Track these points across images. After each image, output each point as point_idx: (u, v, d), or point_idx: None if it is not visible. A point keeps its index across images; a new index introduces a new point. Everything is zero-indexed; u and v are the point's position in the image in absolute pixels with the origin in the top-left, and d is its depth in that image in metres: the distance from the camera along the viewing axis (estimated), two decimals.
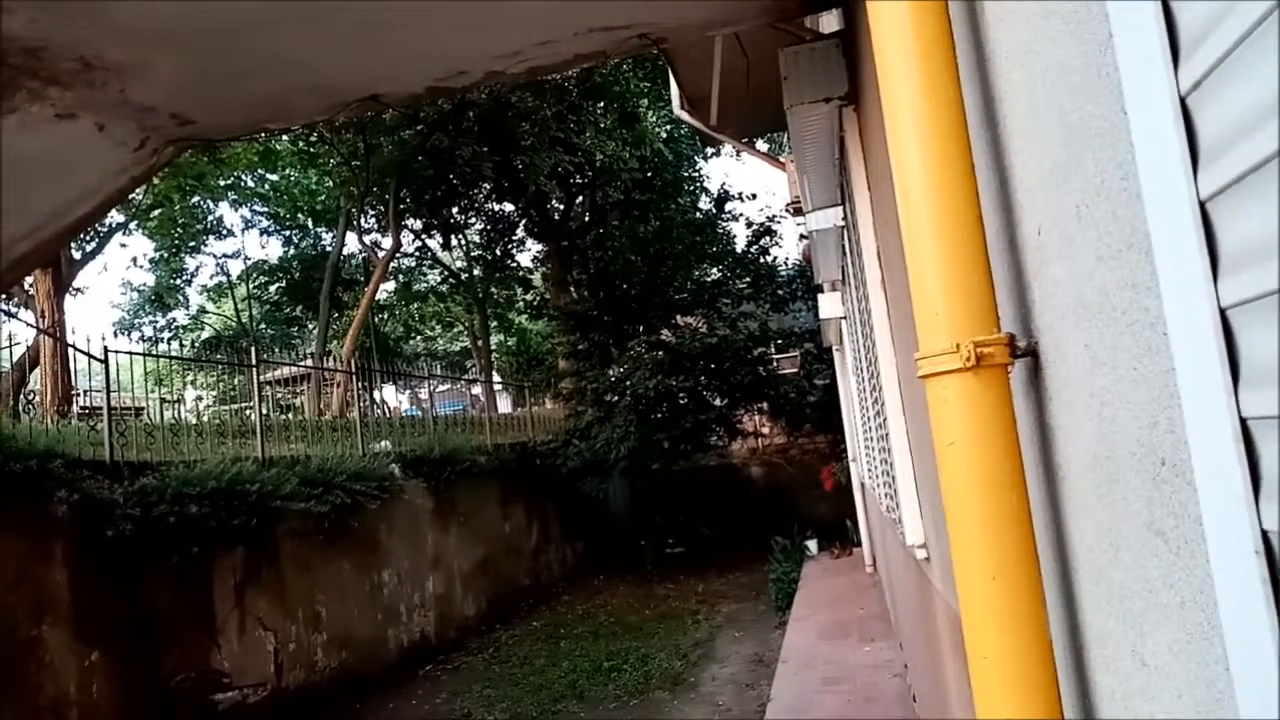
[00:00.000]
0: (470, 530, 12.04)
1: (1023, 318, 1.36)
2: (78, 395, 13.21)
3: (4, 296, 13.93)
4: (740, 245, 20.78)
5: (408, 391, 23.40)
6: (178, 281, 25.03)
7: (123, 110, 3.98)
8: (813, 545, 13.39)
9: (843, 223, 6.53)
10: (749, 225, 20.38)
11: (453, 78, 4.66)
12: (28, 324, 12.92)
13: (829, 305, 9.91)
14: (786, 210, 18.61)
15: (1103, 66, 0.92)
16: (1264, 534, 0.71)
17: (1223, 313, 0.74)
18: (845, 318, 8.98)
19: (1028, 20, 1.16)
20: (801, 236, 9.57)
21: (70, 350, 10.54)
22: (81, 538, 6.61)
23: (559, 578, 14.34)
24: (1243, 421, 0.73)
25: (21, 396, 13.27)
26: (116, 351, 8.47)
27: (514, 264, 24.51)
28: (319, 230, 24.57)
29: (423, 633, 10.42)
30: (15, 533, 6.26)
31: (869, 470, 8.40)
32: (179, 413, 13.52)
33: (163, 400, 14.10)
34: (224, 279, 25.91)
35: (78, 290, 20.35)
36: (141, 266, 24.08)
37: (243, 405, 13.20)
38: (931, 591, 3.67)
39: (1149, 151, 0.82)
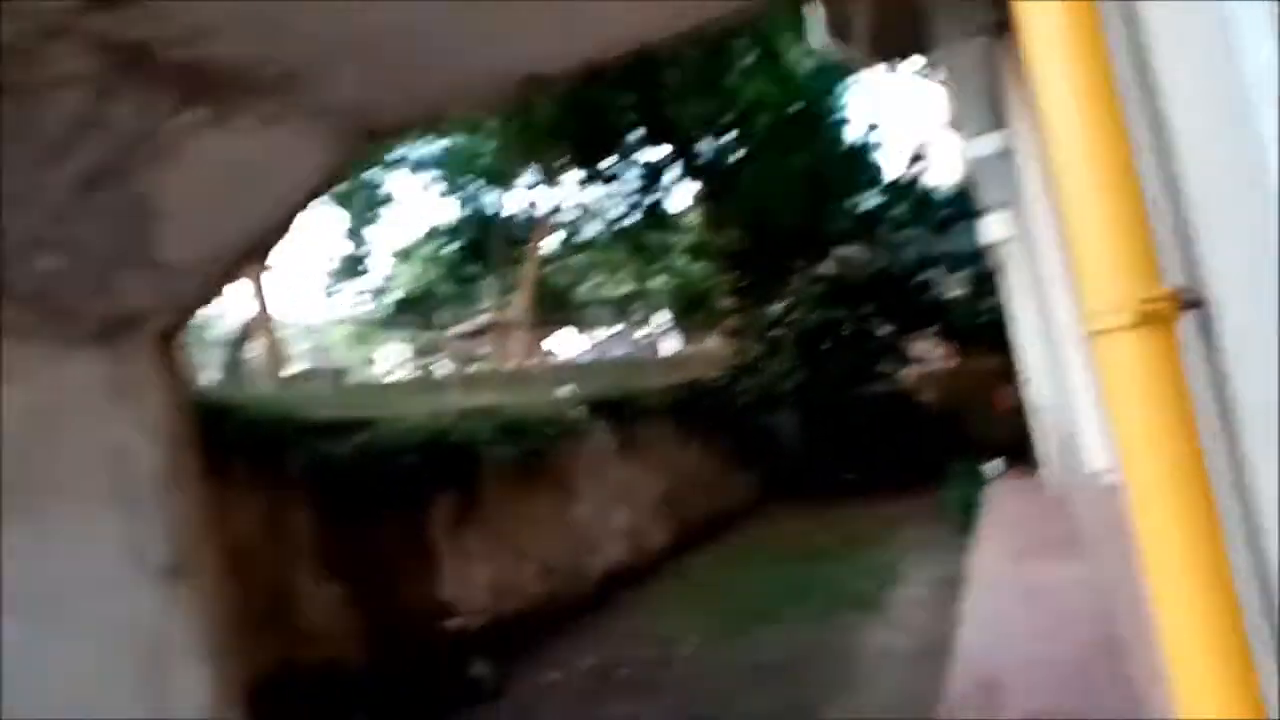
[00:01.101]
0: (651, 465, 12.61)
1: (1189, 270, 1.38)
2: (289, 361, 14.61)
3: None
4: (896, 170, 20.19)
5: (581, 337, 24.25)
6: (364, 250, 26.89)
7: (317, 113, 4.34)
8: (991, 468, 13.16)
9: (1003, 147, 6.39)
10: (904, 150, 19.70)
11: (608, 50, 4.87)
12: (244, 302, 14.35)
13: (994, 227, 9.63)
14: (943, 131, 17.93)
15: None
16: None
17: None
18: (1013, 239, 8.74)
19: None
20: (961, 162, 9.32)
21: (278, 322, 11.74)
22: (317, 489, 7.47)
23: (739, 507, 14.73)
24: None
25: (242, 367, 14.83)
26: (327, 322, 9.36)
27: (669, 208, 24.76)
28: (486, 191, 25.62)
29: (617, 561, 11.09)
30: (262, 488, 7.14)
31: (1045, 391, 8.24)
32: (377, 371, 14.73)
33: (364, 360, 15.33)
34: (405, 244, 27.57)
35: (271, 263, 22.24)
36: (332, 238, 26.03)
37: (431, 360, 14.18)
38: (1117, 515, 3.70)
39: None
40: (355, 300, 26.06)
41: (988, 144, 6.71)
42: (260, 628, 6.39)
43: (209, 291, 5.00)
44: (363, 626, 7.39)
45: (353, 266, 26.83)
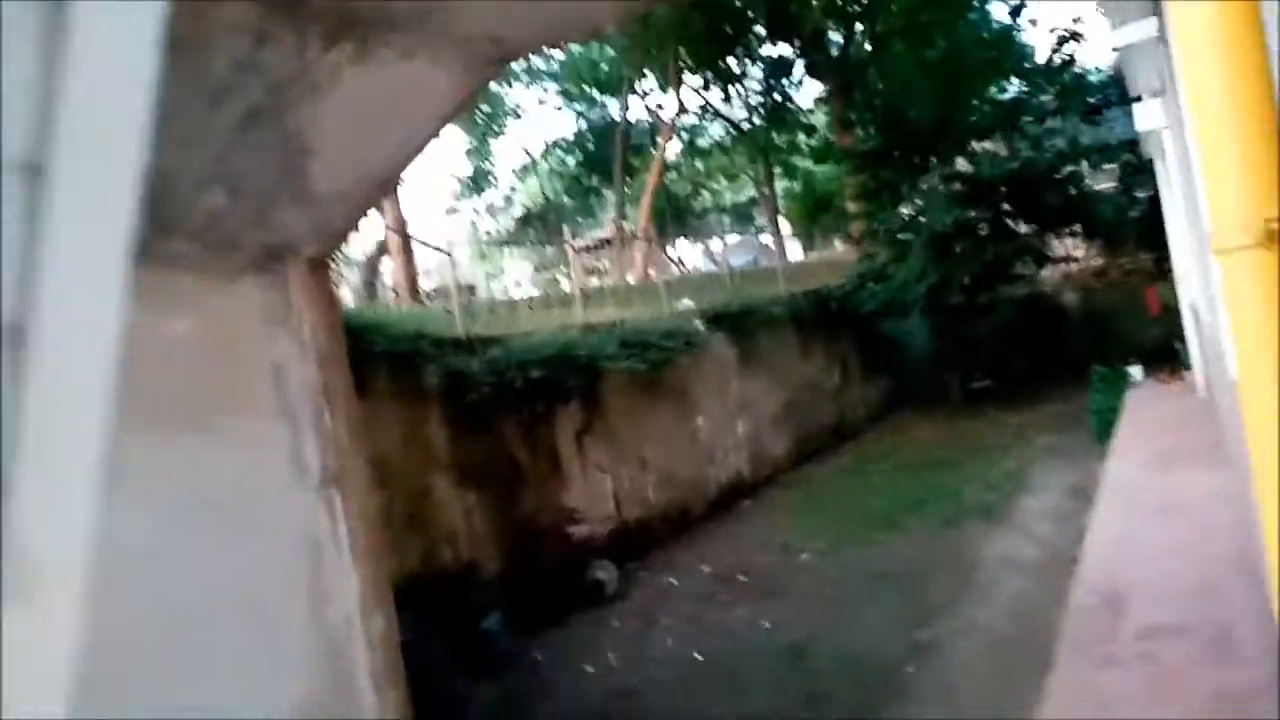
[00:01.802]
0: (773, 376, 12.64)
1: None
2: (421, 279, 15.20)
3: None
4: (1042, 55, 18.78)
5: (702, 246, 24.21)
6: (487, 166, 27.42)
7: (451, 42, 4.48)
8: (1137, 372, 12.53)
9: (1158, 34, 5.91)
10: (1050, 32, 18.30)
11: None
12: (378, 223, 14.93)
13: (1148, 116, 8.94)
14: (1095, 8, 16.51)
15: None
16: None
17: None
18: (1167, 128, 8.13)
19: None
20: (1113, 49, 8.65)
21: (414, 241, 12.21)
22: (450, 403, 7.87)
23: (863, 416, 14.65)
24: None
25: (378, 284, 15.54)
26: (455, 243, 9.69)
27: (794, 107, 24.03)
28: (606, 100, 25.52)
29: (737, 471, 11.29)
30: (401, 401, 7.59)
31: (1198, 292, 7.76)
32: (503, 286, 15.14)
33: (488, 276, 15.77)
34: (528, 158, 27.94)
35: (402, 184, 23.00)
36: (457, 156, 26.61)
37: (554, 274, 14.45)
38: None
39: None
40: (480, 217, 26.76)
41: (1141, 29, 6.23)
42: (404, 533, 6.91)
43: (354, 219, 5.28)
44: (496, 531, 7.86)
45: (477, 183, 27.42)
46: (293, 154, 4.24)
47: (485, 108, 24.64)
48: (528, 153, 27.83)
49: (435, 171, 31.45)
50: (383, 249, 16.00)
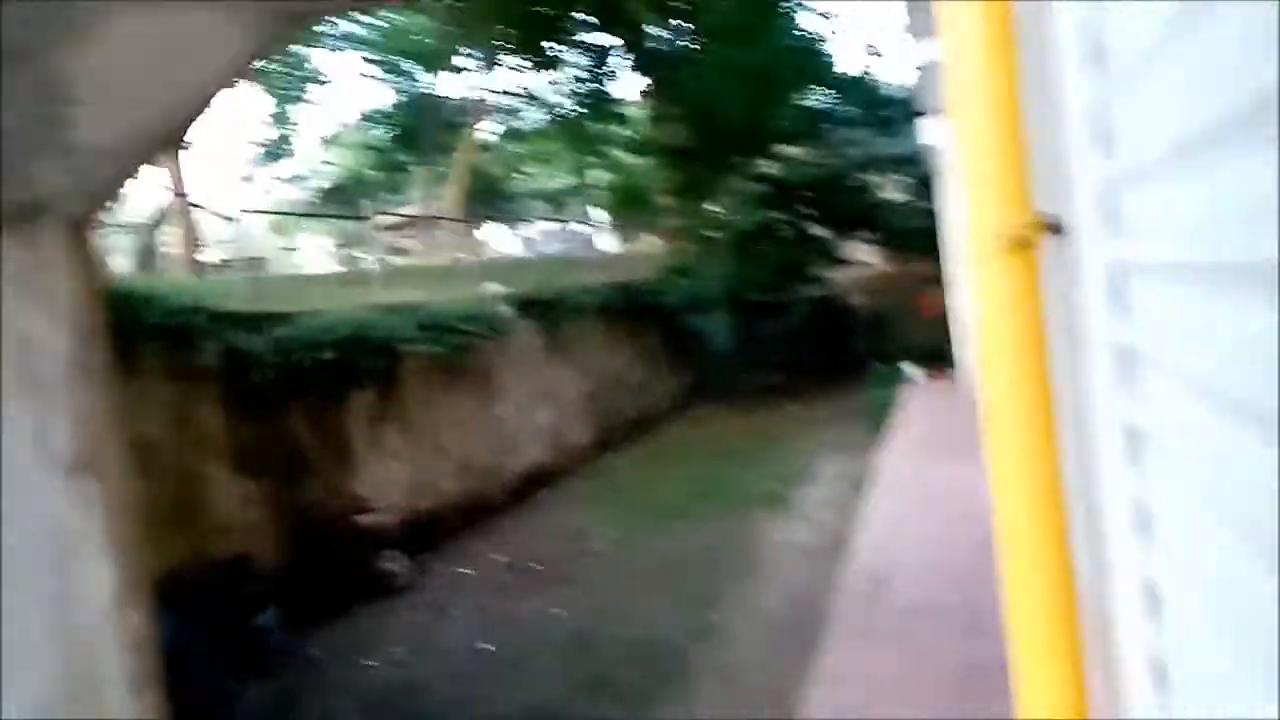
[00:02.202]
0: (578, 365, 12.68)
1: (1058, 195, 1.42)
2: (205, 250, 14.14)
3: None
4: (843, 67, 19.86)
5: (513, 232, 23.94)
6: (287, 133, 25.76)
7: None
8: (910, 370, 13.52)
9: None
10: (858, 47, 19.31)
11: None
12: (158, 187, 13.75)
13: (932, 131, 9.68)
14: (899, 30, 17.58)
15: None
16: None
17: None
18: (946, 147, 8.80)
19: None
20: (916, 67, 9.25)
21: (194, 209, 11.36)
22: (229, 384, 7.34)
23: (664, 408, 14.97)
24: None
25: (155, 255, 14.33)
26: (247, 211, 9.07)
27: (613, 98, 24.13)
28: (420, 73, 24.62)
29: (538, 461, 11.23)
30: (171, 379, 6.98)
31: (963, 298, 8.44)
32: (299, 261, 14.34)
33: (283, 250, 14.92)
34: (332, 129, 26.49)
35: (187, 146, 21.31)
36: (253, 120, 24.88)
37: (355, 251, 13.86)
38: None
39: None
40: (276, 187, 25.17)
41: (934, 48, 6.68)
42: (170, 522, 6.39)
43: (123, 177, 4.80)
44: (275, 521, 7.43)
45: (275, 151, 25.78)
46: (52, 101, 3.82)
47: (290, 71, 23.18)
48: (335, 122, 26.43)
49: (231, 136, 29.39)
50: (163, 215, 14.77)
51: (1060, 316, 1.47)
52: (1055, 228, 1.40)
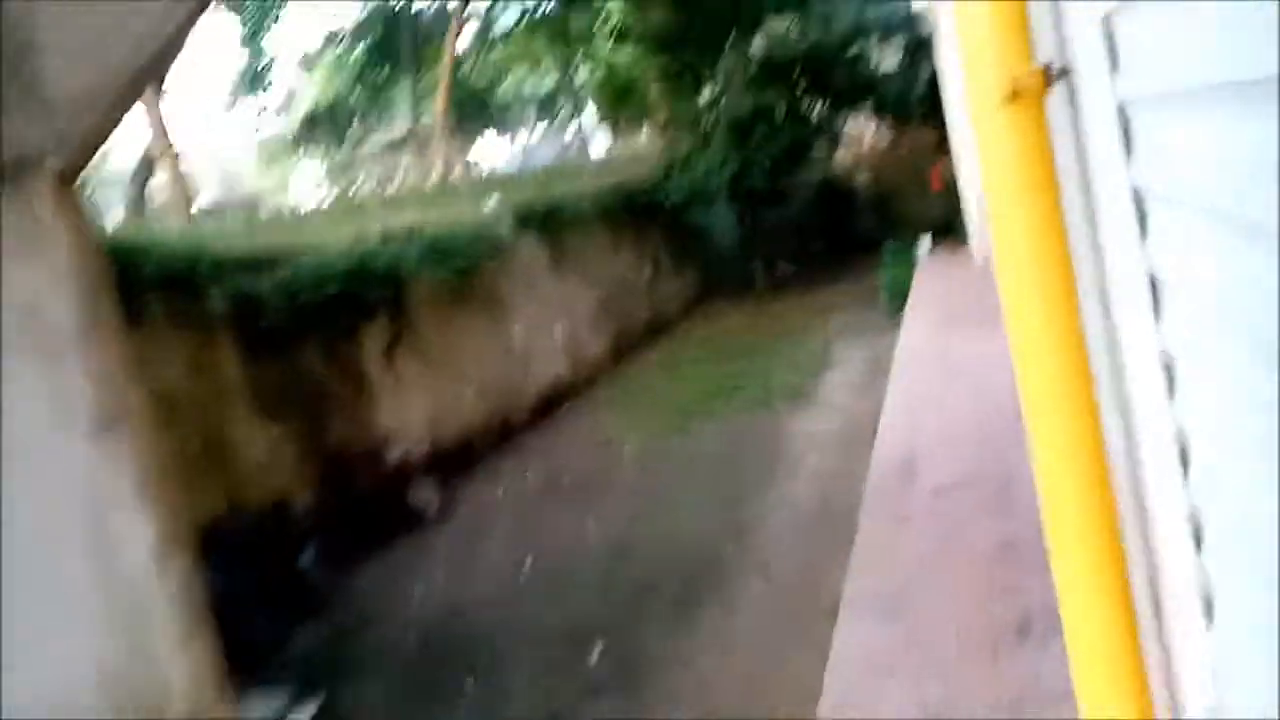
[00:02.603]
0: (585, 274, 12.56)
1: (1059, 42, 1.39)
2: (196, 194, 13.93)
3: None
4: None
5: (505, 142, 23.45)
6: (264, 61, 24.95)
7: None
8: (923, 246, 13.33)
9: None
10: None
11: None
12: (142, 133, 13.45)
13: None
14: None
15: None
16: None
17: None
18: (941, 5, 8.43)
19: None
20: None
21: (180, 151, 11.13)
22: (241, 329, 7.28)
23: (675, 308, 14.89)
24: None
25: (146, 204, 14.13)
26: (233, 149, 8.86)
27: None
28: None
29: (555, 375, 11.23)
30: (183, 330, 6.94)
31: (971, 166, 8.22)
32: (292, 197, 14.12)
33: (279, 186, 14.68)
34: (308, 50, 25.58)
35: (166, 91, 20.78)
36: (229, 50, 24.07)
37: (348, 178, 13.62)
38: None
39: None
40: (260, 119, 24.53)
41: None
42: (200, 473, 6.45)
43: (106, 127, 4.67)
44: (304, 462, 7.49)
45: (253, 81, 25.02)
46: (17, 53, 3.67)
47: None
48: (311, 43, 25.51)
49: (207, 70, 28.58)
50: (150, 162, 14.49)
51: (1071, 166, 1.42)
52: (1059, 73, 1.33)
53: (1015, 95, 1.27)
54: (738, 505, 6.58)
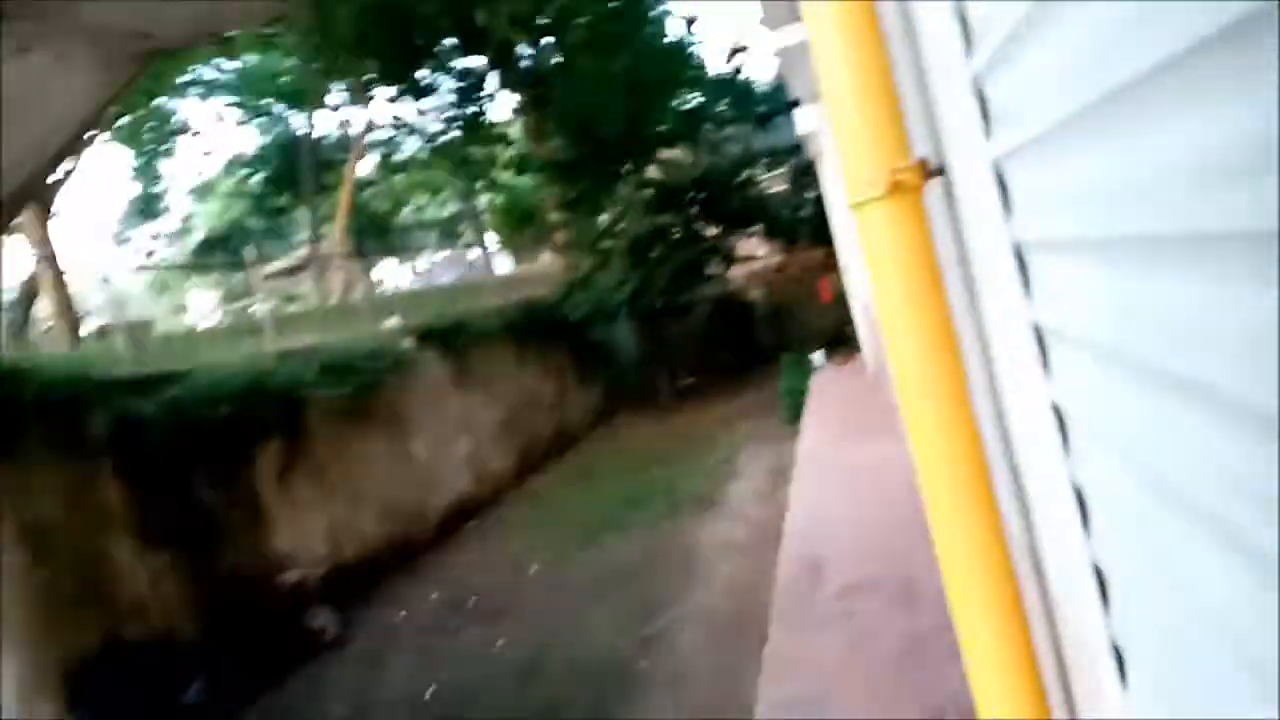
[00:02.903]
0: (490, 391, 12.50)
1: (934, 140, 1.50)
2: (83, 317, 13.40)
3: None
4: (716, 68, 20.25)
5: (407, 265, 23.54)
6: (158, 189, 24.75)
7: (79, 35, 3.97)
8: (817, 356, 13.79)
9: (806, 37, 6.47)
10: (722, 46, 19.73)
11: None
12: (28, 255, 12.97)
13: (808, 118, 9.87)
14: (760, 24, 18.00)
15: None
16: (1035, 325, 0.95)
17: (996, 163, 0.95)
18: (823, 130, 8.99)
19: None
20: (774, 55, 9.44)
21: (68, 275, 10.76)
22: (124, 453, 6.96)
23: (581, 424, 14.89)
24: (1015, 245, 0.96)
25: (30, 327, 13.52)
26: (123, 272, 8.64)
27: (490, 120, 23.96)
28: (291, 114, 23.97)
29: (460, 493, 11.02)
30: (62, 456, 6.60)
31: (858, 277, 8.63)
32: (185, 319, 13.74)
33: (171, 309, 14.29)
34: (204, 178, 25.53)
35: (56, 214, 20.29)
36: (121, 179, 23.86)
37: (247, 303, 13.38)
38: None
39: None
40: (153, 245, 24.11)
41: (796, 32, 6.77)
42: (78, 607, 6.02)
43: None
44: (192, 592, 7.06)
45: (147, 207, 24.70)
46: None
47: (154, 125, 22.29)
48: (206, 171, 25.48)
49: (101, 194, 27.98)
50: (35, 286, 13.94)
51: (951, 256, 1.50)
52: (936, 170, 1.40)
53: (893, 190, 1.32)
54: (648, 618, 6.47)
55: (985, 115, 0.98)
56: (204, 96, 23.01)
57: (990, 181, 0.97)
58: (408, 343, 10.77)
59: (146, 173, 24.02)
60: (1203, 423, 0.62)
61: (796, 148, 15.83)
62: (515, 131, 24.33)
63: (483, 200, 26.92)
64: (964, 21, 0.97)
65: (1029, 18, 0.79)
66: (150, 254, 24.24)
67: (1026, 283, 0.98)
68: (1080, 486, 0.99)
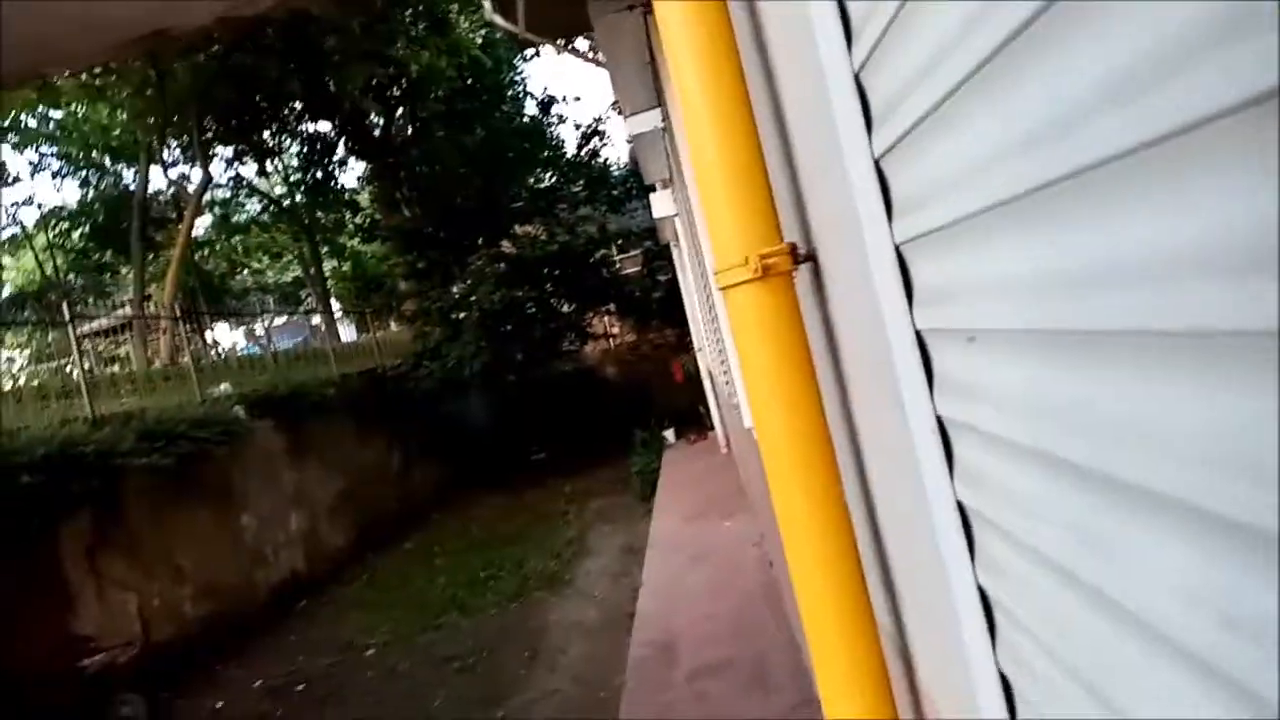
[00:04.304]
0: (328, 463, 11.89)
1: (803, 226, 1.52)
2: None
3: None
4: (571, 149, 20.67)
5: (243, 329, 22.44)
6: None
7: None
8: (670, 434, 13.96)
9: (663, 125, 6.67)
10: (577, 128, 20.23)
11: (243, 5, 4.44)
12: None
13: (661, 204, 10.13)
14: (613, 109, 18.62)
15: (811, 35, 1.08)
16: (938, 418, 0.94)
17: (898, 249, 0.95)
18: (677, 215, 9.23)
19: None
20: (628, 141, 9.69)
21: None
22: None
23: (427, 499, 14.37)
24: (917, 333, 0.94)
25: None
26: None
27: (338, 185, 23.45)
28: (119, 168, 22.61)
29: (292, 570, 10.35)
30: None
31: (712, 357, 8.81)
32: None
33: None
34: (18, 229, 23.61)
35: None
36: None
37: (61, 363, 12.30)
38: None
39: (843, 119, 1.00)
40: None
41: (646, 121, 6.98)
42: None
43: None
44: None
45: None
46: None
47: None
48: (17, 222, 23.56)
49: None
50: None
51: (820, 338, 1.52)
52: (806, 256, 1.45)
53: (762, 273, 1.35)
54: (492, 705, 6.16)
55: (887, 201, 0.97)
56: (21, 146, 21.43)
57: (891, 268, 0.96)
58: (238, 410, 10.13)
59: None
60: (1145, 528, 0.59)
61: (651, 231, 16.26)
62: (364, 198, 23.90)
63: (328, 266, 26.14)
64: (864, 102, 0.96)
65: (946, 108, 0.77)
66: None
67: (930, 374, 0.96)
68: (985, 589, 0.96)
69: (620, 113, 9.05)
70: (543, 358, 15.19)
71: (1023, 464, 0.77)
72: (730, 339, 1.50)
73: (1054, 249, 0.63)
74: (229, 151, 21.65)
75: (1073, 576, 0.71)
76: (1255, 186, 0.40)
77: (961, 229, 0.79)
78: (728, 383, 6.34)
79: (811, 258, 1.49)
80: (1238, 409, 0.46)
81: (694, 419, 13.95)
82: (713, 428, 12.69)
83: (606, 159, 20.18)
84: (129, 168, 22.03)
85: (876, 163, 0.94)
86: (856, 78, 0.94)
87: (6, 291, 23.91)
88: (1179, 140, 0.45)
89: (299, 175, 23.57)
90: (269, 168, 23.37)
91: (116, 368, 14.78)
